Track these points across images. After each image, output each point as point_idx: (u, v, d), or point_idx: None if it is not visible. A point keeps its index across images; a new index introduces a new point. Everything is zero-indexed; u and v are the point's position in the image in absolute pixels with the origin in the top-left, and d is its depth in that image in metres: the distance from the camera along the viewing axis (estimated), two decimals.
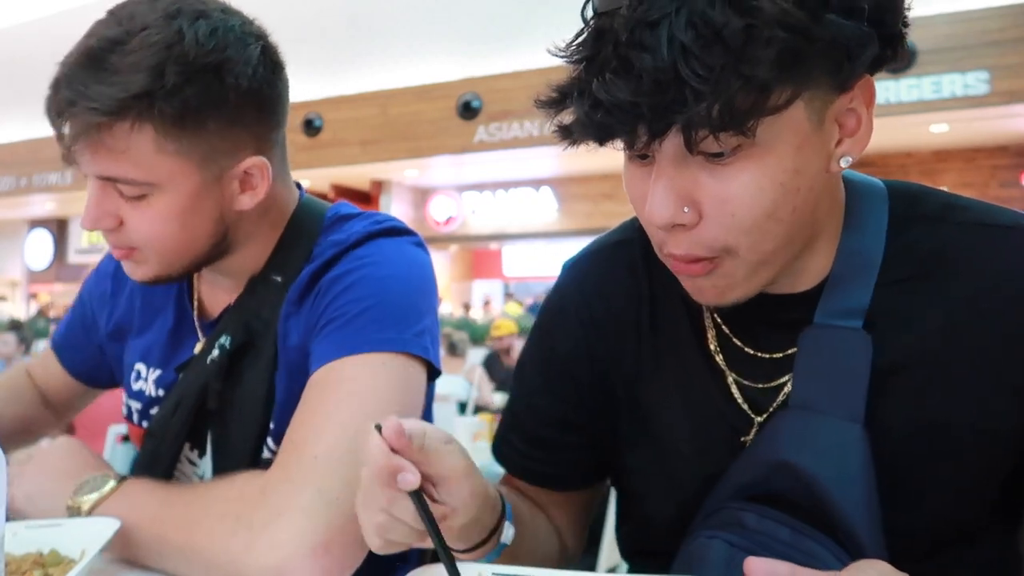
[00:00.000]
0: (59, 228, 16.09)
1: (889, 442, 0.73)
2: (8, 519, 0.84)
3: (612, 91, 0.61)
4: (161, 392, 1.10)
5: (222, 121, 0.91)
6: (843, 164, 0.71)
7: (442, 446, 0.67)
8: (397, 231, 1.05)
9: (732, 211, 0.67)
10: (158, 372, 1.12)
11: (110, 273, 1.22)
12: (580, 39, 0.66)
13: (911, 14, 0.68)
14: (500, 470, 0.99)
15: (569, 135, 0.67)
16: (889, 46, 0.67)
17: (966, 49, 7.37)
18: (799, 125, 0.66)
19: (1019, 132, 8.97)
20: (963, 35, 7.28)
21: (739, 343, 0.82)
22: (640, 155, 0.69)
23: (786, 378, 0.79)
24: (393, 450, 0.63)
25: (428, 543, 0.65)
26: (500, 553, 0.78)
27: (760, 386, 0.80)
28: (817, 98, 0.66)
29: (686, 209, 0.68)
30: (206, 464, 1.05)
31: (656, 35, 0.59)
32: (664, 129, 0.63)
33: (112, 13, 0.90)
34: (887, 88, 7.69)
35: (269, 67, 0.95)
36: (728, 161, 0.65)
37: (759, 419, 0.80)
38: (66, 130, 0.88)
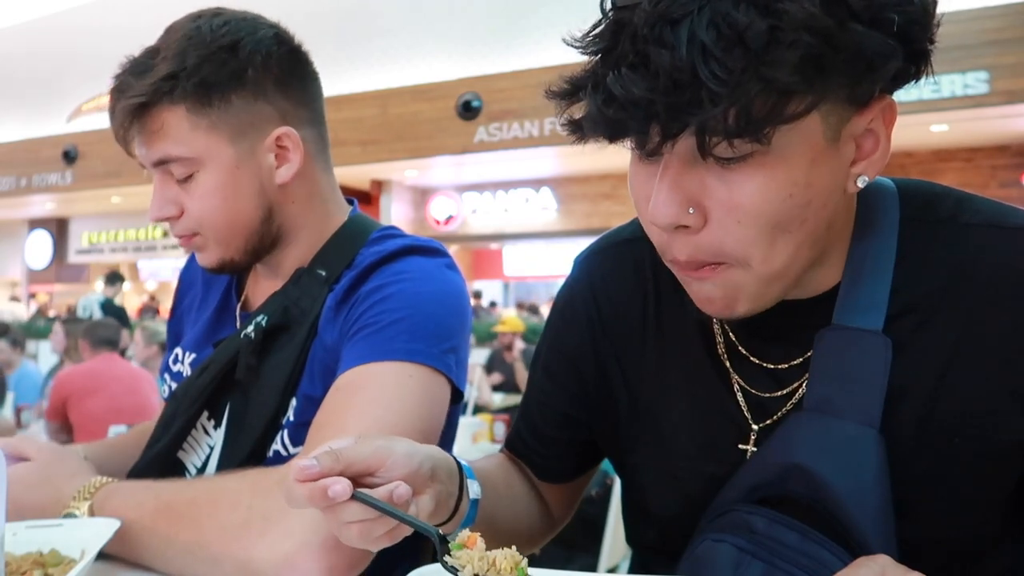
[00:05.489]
0: (59, 228, 16.07)
1: (901, 450, 0.72)
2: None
3: (627, 86, 0.60)
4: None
5: (245, 95, 1.02)
6: (859, 184, 0.69)
7: (353, 445, 0.67)
8: (434, 251, 1.08)
9: (738, 218, 0.65)
10: (193, 355, 1.17)
11: (198, 281, 1.27)
12: (597, 31, 0.65)
13: None
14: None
15: (579, 130, 0.66)
16: (913, 62, 0.65)
17: (965, 49, 7.36)
18: (814, 138, 0.64)
19: (1019, 132, 8.97)
20: (962, 35, 7.28)
21: (745, 352, 0.81)
22: (648, 153, 0.67)
23: (791, 388, 0.78)
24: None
25: (405, 528, 0.67)
26: (476, 511, 0.79)
27: (766, 395, 0.79)
28: (834, 112, 0.64)
29: (691, 211, 0.66)
30: (218, 437, 1.07)
31: (676, 33, 0.58)
32: (678, 130, 0.61)
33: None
34: None
35: (284, 48, 1.06)
36: (737, 166, 0.64)
37: (756, 427, 0.79)
38: (114, 125, 1.01)
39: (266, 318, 1.05)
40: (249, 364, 1.03)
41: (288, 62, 1.05)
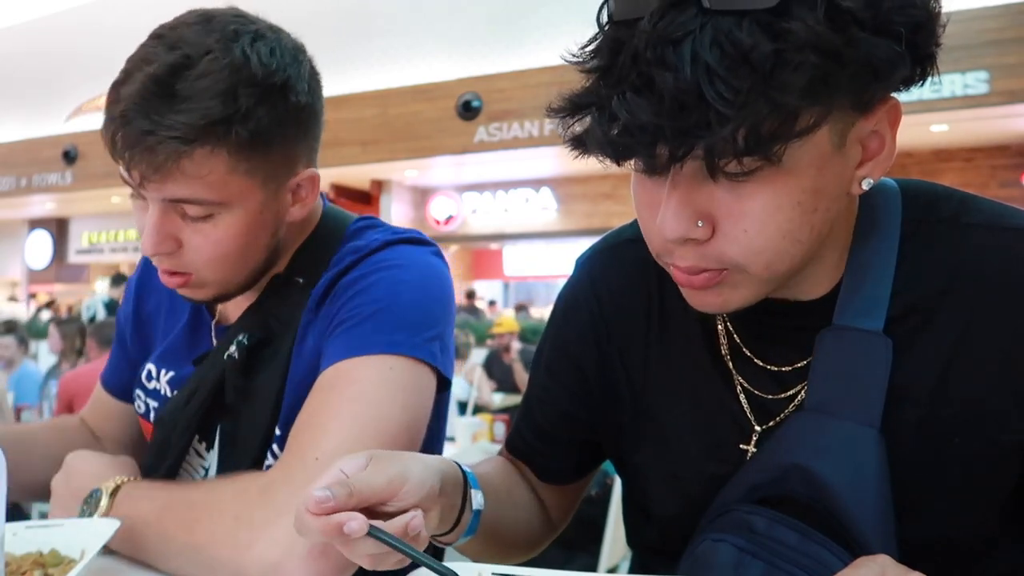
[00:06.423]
0: (59, 228, 16.08)
1: (902, 450, 0.72)
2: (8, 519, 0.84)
3: (632, 110, 0.58)
4: (175, 393, 1.11)
5: (287, 138, 0.94)
6: (864, 186, 0.69)
7: (365, 474, 0.65)
8: (417, 240, 1.05)
9: (746, 228, 0.65)
10: (171, 373, 1.12)
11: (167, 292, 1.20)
12: (595, 46, 0.63)
13: None
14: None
15: (582, 146, 0.65)
16: (919, 65, 0.65)
17: (965, 49, 7.36)
18: (822, 147, 0.64)
19: (1019, 132, 8.96)
20: (962, 35, 7.27)
21: (748, 353, 0.81)
22: (655, 172, 0.66)
23: (795, 390, 0.78)
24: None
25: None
26: (478, 521, 0.78)
27: (769, 396, 0.79)
28: (841, 120, 0.64)
29: (700, 223, 0.66)
30: (212, 458, 1.05)
31: (679, 53, 0.56)
32: (685, 152, 0.60)
33: (160, 37, 0.89)
34: None
35: (315, 80, 0.99)
36: (746, 179, 0.63)
37: (759, 428, 0.79)
38: (137, 160, 0.87)
39: (248, 335, 1.02)
40: (237, 387, 1.01)
41: (317, 94, 0.99)
